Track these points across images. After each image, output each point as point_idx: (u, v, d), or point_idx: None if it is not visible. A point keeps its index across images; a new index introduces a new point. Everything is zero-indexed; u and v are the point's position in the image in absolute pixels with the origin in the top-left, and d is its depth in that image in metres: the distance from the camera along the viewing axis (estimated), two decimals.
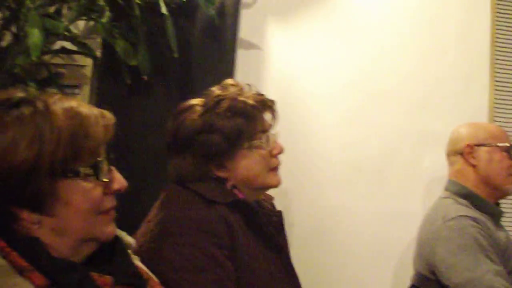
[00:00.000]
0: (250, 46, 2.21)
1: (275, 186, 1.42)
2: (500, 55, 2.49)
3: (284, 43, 2.26)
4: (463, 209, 1.77)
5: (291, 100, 2.23)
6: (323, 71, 2.28)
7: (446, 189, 1.91)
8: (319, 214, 2.23)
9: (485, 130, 1.92)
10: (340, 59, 2.30)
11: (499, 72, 2.48)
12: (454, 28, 2.42)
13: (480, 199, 1.83)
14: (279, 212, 1.54)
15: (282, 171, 1.44)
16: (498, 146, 1.87)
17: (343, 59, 2.30)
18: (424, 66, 2.38)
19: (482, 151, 1.87)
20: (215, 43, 2.14)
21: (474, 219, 1.71)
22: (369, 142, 2.30)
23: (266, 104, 1.40)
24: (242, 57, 2.21)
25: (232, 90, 1.38)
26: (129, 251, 1.09)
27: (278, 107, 1.43)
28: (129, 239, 1.11)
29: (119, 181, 0.98)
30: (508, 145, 1.88)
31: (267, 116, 1.41)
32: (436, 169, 1.98)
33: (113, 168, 0.98)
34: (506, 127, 2.46)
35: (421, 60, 2.37)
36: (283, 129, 1.44)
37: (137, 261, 1.11)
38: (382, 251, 2.27)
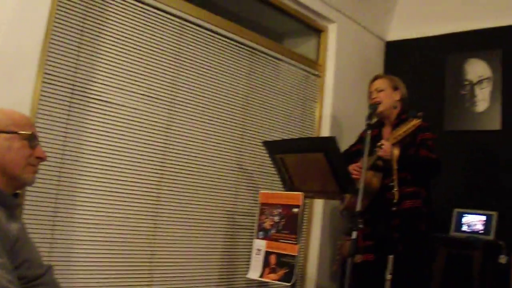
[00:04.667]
0: None
1: None
2: (53, 47, 2.48)
3: None
4: None
5: None
6: None
7: None
8: None
9: (8, 117, 1.80)
10: None
11: (50, 65, 2.46)
12: (8, 14, 2.29)
13: None
14: None
15: None
16: (19, 133, 1.78)
17: None
18: None
19: (1, 139, 1.75)
20: None
21: None
22: None
23: None
24: None
25: None
26: None
27: None
28: None
29: None
30: (30, 133, 1.81)
31: None
32: None
33: None
34: (51, 120, 2.45)
35: None
36: None
37: None
38: None
